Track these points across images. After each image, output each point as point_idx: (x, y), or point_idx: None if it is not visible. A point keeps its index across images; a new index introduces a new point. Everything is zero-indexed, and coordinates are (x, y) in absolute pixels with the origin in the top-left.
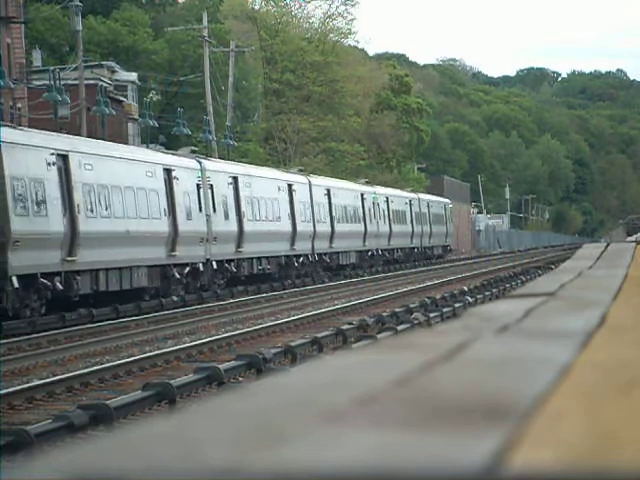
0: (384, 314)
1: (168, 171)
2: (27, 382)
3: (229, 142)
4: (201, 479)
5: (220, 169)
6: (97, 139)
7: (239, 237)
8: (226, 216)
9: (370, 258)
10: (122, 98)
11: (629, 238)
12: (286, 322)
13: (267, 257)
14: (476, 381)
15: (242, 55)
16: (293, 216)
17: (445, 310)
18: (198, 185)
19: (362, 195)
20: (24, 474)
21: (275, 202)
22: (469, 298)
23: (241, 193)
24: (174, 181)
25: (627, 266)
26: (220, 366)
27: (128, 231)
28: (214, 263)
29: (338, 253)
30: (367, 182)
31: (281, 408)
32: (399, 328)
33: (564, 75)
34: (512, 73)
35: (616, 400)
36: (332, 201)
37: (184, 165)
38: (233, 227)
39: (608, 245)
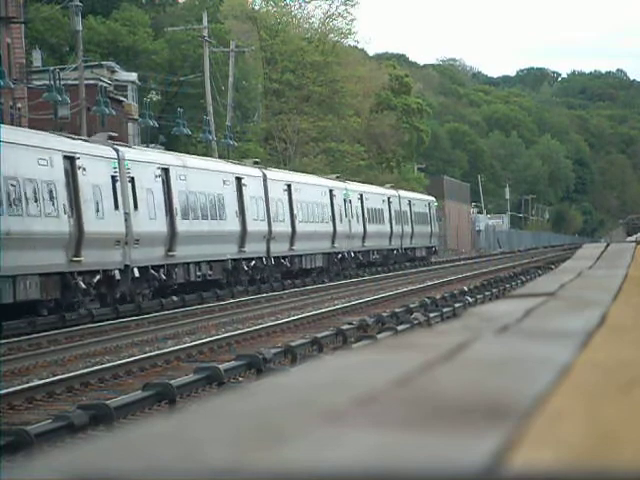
0: (384, 314)
1: (70, 159)
2: (27, 382)
3: (229, 142)
4: (201, 479)
5: (145, 159)
6: None
7: (170, 239)
8: (152, 214)
9: (340, 261)
10: (122, 98)
11: (629, 238)
12: (286, 322)
13: (208, 261)
14: (476, 381)
15: (242, 55)
16: (242, 214)
17: (445, 310)
18: (114, 177)
19: (331, 191)
20: (24, 474)
21: (219, 198)
22: (469, 298)
23: (173, 187)
24: (78, 172)
25: (627, 266)
26: (220, 366)
27: (9, 231)
28: (136, 270)
29: (301, 256)
30: (338, 177)
31: (281, 408)
32: (399, 328)
33: (564, 75)
34: (512, 73)
35: (616, 400)
36: (293, 197)
37: (93, 153)
38: (161, 227)
39: (608, 245)
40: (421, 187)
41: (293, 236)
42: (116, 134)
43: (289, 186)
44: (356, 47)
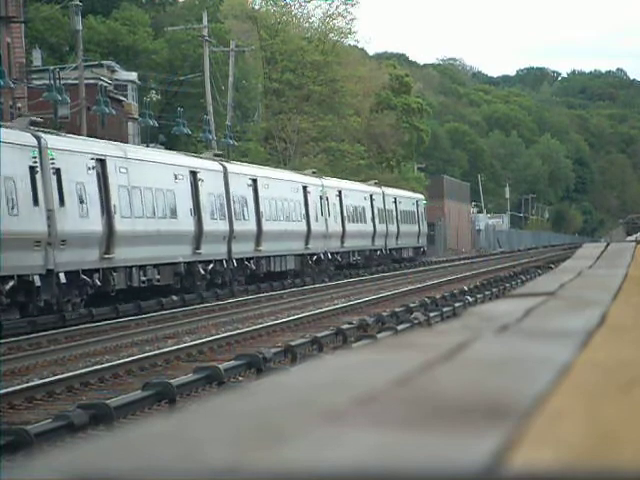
0: (384, 314)
1: None
2: (27, 382)
3: (229, 142)
4: (201, 479)
5: (74, 148)
6: (97, 139)
7: (107, 239)
8: (83, 211)
9: (316, 263)
10: (122, 98)
11: (629, 238)
12: (286, 322)
13: (156, 264)
14: (476, 381)
15: (242, 55)
16: (198, 212)
17: (445, 310)
18: (33, 168)
19: (305, 188)
20: (24, 474)
21: (169, 194)
22: (469, 298)
23: (111, 181)
24: None
25: (627, 266)
26: (220, 366)
27: None
28: (62, 275)
29: (269, 257)
30: (314, 173)
31: (281, 408)
32: (399, 328)
33: (564, 75)
34: (512, 73)
35: (616, 400)
36: (260, 193)
37: (5, 140)
38: (95, 226)
39: (608, 245)
40: (421, 187)
41: (259, 236)
42: (41, 120)
43: (255, 181)
44: (356, 47)
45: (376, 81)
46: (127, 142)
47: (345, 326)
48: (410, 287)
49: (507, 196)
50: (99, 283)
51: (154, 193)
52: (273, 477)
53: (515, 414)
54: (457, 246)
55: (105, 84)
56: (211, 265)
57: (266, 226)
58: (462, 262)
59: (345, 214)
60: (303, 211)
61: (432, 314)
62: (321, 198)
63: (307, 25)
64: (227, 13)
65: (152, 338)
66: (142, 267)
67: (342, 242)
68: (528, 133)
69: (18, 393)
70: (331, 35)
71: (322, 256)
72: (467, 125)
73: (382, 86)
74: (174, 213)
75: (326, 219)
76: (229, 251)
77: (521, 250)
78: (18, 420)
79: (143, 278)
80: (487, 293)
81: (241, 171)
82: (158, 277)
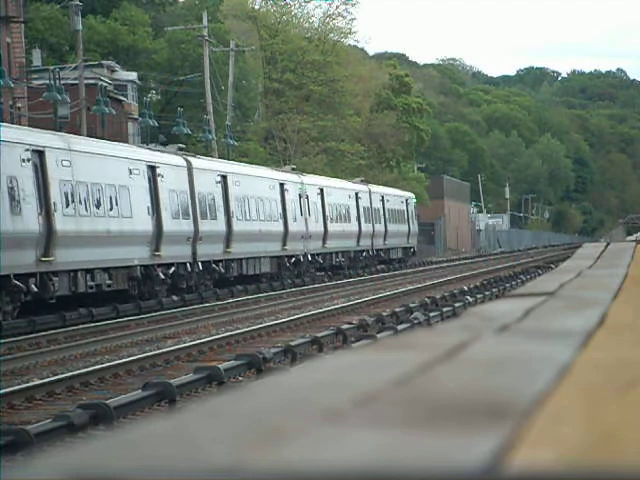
0: (384, 314)
1: None
2: (27, 382)
3: (229, 141)
4: (201, 479)
5: (4, 138)
6: (97, 138)
7: (46, 240)
8: (16, 209)
9: (295, 265)
10: (122, 98)
11: (629, 237)
12: (286, 322)
13: (105, 268)
14: (476, 381)
15: (242, 55)
16: (157, 210)
17: (445, 310)
18: None
19: (282, 185)
20: (24, 474)
21: (123, 190)
22: (469, 298)
23: (51, 175)
24: None
25: (627, 265)
26: (220, 366)
27: None
28: None
29: (241, 260)
30: (293, 169)
31: (281, 408)
32: (399, 328)
33: (564, 75)
34: (512, 73)
35: (616, 400)
36: (230, 191)
37: None
38: (31, 225)
39: (608, 244)
40: (421, 186)
41: (229, 237)
42: None
43: (224, 178)
44: (356, 47)
45: (376, 81)
46: (127, 142)
47: (345, 326)
48: (410, 287)
49: (507, 196)
50: (36, 289)
51: (103, 189)
52: (273, 477)
53: (515, 414)
54: (457, 246)
55: (105, 84)
56: (172, 269)
57: (237, 226)
58: (462, 262)
59: (327, 213)
60: (280, 210)
61: (432, 314)
62: (300, 196)
63: (307, 25)
64: (227, 13)
65: (152, 338)
66: (89, 271)
67: (324, 243)
68: (528, 133)
69: (18, 393)
70: (331, 35)
71: (302, 258)
72: (467, 125)
73: (382, 86)
74: (128, 211)
75: (306, 218)
76: (194, 253)
77: (521, 250)
78: (18, 420)
79: (91, 283)
80: (487, 293)
81: (208, 167)
82: (109, 282)
